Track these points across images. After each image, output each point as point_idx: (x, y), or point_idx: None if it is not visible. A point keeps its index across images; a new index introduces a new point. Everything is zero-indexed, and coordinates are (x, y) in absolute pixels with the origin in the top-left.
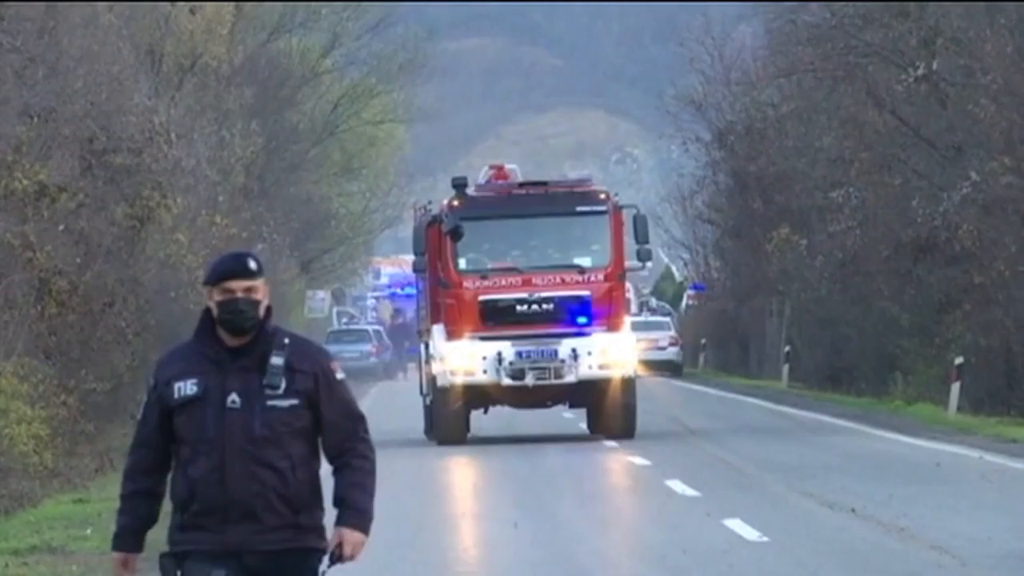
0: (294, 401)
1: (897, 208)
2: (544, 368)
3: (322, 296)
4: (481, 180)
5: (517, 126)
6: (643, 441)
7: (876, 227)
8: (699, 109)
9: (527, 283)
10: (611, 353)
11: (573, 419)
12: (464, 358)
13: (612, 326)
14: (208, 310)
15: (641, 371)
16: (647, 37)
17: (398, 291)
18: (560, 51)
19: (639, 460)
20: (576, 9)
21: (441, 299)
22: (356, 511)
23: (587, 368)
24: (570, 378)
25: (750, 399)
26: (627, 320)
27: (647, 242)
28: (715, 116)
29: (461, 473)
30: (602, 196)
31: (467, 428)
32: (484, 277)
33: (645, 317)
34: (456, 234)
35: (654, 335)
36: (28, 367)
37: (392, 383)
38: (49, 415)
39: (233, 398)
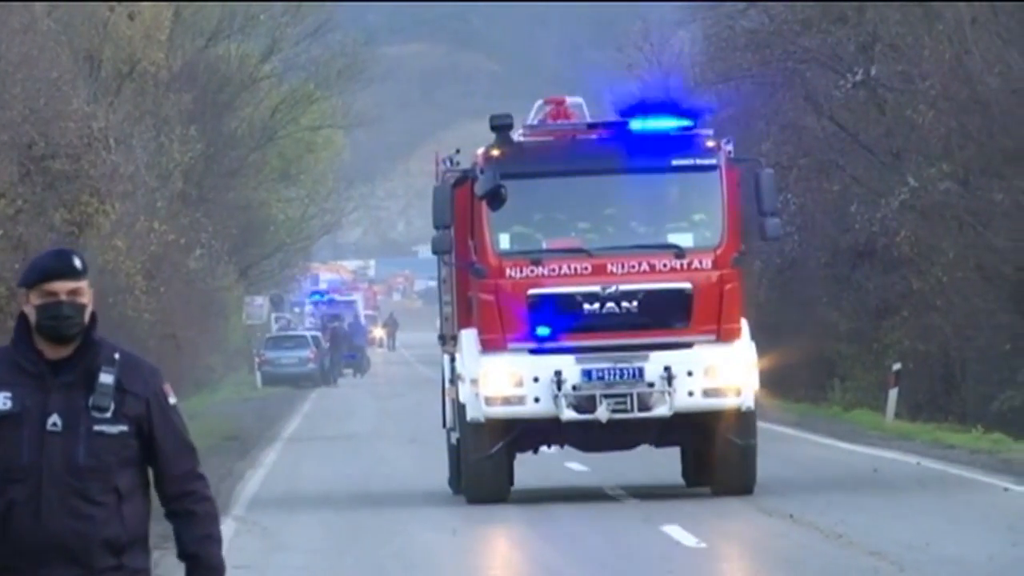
0: (123, 427)
1: (836, 214)
2: (624, 395)
3: (260, 302)
4: (532, 120)
5: (456, 132)
6: None
7: (815, 233)
8: None
9: (599, 271)
10: (723, 373)
11: (657, 458)
12: (506, 379)
13: (724, 334)
14: (23, 316)
15: None
16: (585, 43)
17: (336, 297)
18: (499, 57)
19: (577, 466)
20: (515, 15)
21: (474, 293)
22: (211, 569)
23: (687, 395)
24: (662, 410)
25: None
26: (744, 325)
27: (775, 212)
28: None
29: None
30: (710, 144)
31: (510, 480)
32: (536, 262)
33: None
34: (496, 198)
35: None
36: None
37: (330, 389)
38: None
39: (54, 420)
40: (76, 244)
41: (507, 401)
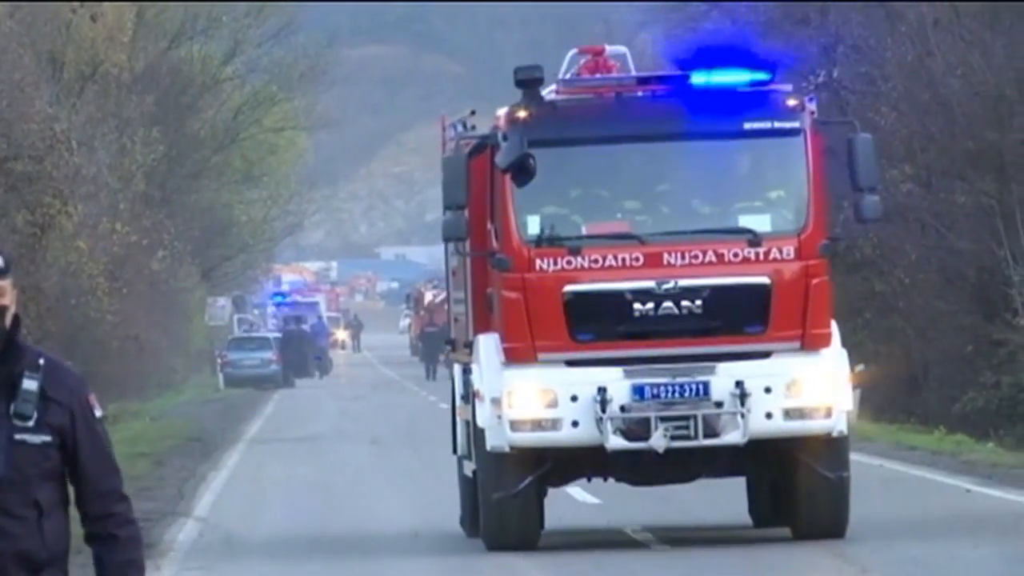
0: (46, 437)
1: None
2: (686, 418)
3: (223, 303)
4: (566, 74)
5: (418, 133)
6: None
7: None
8: None
9: (653, 262)
10: (810, 389)
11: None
12: (537, 398)
13: (810, 340)
14: None
15: None
16: (548, 44)
17: (298, 298)
18: (461, 59)
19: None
20: (478, 17)
21: (495, 289)
22: None
23: (764, 417)
24: (733, 436)
25: None
26: (835, 329)
27: (874, 188)
28: None
29: None
30: (792, 103)
31: (539, 522)
32: (574, 251)
33: None
34: (523, 171)
35: None
36: None
37: (292, 391)
38: None
39: None
40: (39, 246)
41: (538, 425)
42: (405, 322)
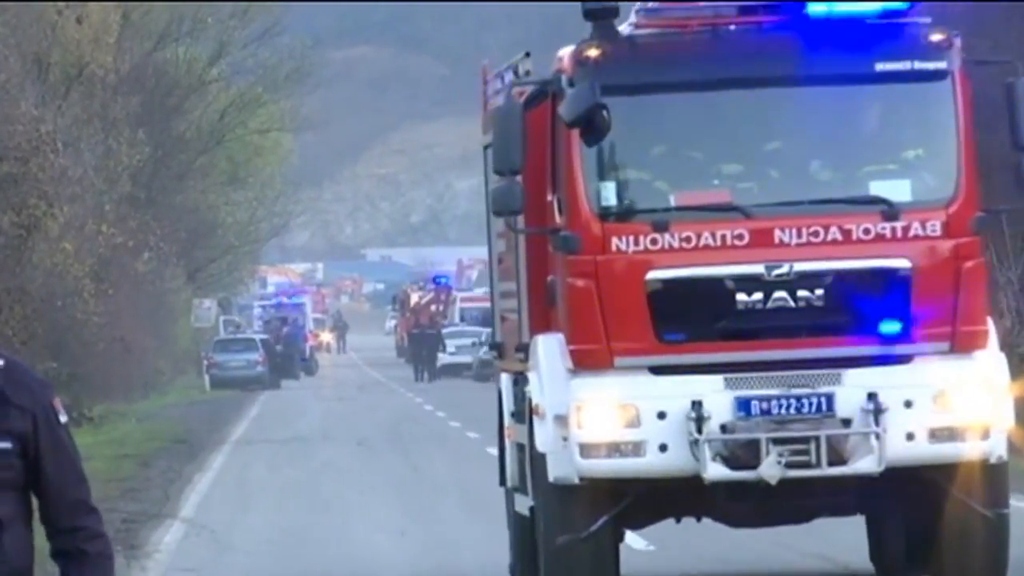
0: (6, 444)
1: None
2: (806, 440)
3: (208, 305)
4: (644, 5)
5: (404, 134)
6: None
7: None
8: None
9: (762, 241)
10: (962, 403)
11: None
12: (614, 416)
13: (962, 339)
14: None
15: None
16: (534, 46)
17: (284, 300)
18: (447, 60)
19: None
20: (463, 18)
21: (559, 277)
22: None
23: (905, 439)
24: (865, 462)
25: None
26: (991, 328)
27: None
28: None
29: None
30: (936, 39)
31: (615, 573)
32: (660, 227)
33: None
34: (595, 126)
35: None
36: None
37: (278, 392)
38: None
39: None
40: (24, 247)
41: (615, 450)
42: (391, 323)
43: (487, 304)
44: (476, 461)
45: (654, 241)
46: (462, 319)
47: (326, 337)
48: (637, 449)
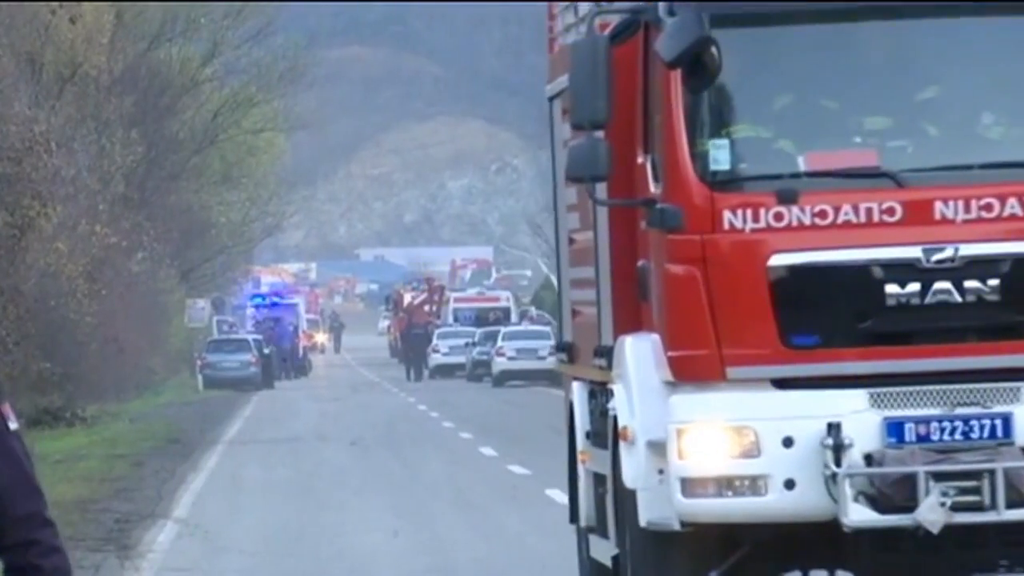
0: None
1: None
2: (976, 475)
3: (202, 305)
4: None
5: (397, 134)
6: (522, 450)
7: None
8: None
9: (918, 216)
10: None
11: None
12: (726, 441)
13: None
14: None
15: (520, 380)
16: (527, 46)
17: (277, 299)
18: (441, 60)
19: (519, 469)
20: (457, 18)
21: (654, 261)
22: None
23: None
24: None
25: None
26: None
27: None
28: None
29: None
30: None
31: None
32: (787, 198)
33: (525, 326)
34: (702, 67)
35: (534, 344)
36: None
37: (271, 392)
38: None
39: None
40: (18, 247)
41: (728, 487)
42: (384, 323)
43: (480, 304)
44: (469, 461)
45: (779, 216)
46: (455, 319)
47: (321, 338)
48: (756, 486)
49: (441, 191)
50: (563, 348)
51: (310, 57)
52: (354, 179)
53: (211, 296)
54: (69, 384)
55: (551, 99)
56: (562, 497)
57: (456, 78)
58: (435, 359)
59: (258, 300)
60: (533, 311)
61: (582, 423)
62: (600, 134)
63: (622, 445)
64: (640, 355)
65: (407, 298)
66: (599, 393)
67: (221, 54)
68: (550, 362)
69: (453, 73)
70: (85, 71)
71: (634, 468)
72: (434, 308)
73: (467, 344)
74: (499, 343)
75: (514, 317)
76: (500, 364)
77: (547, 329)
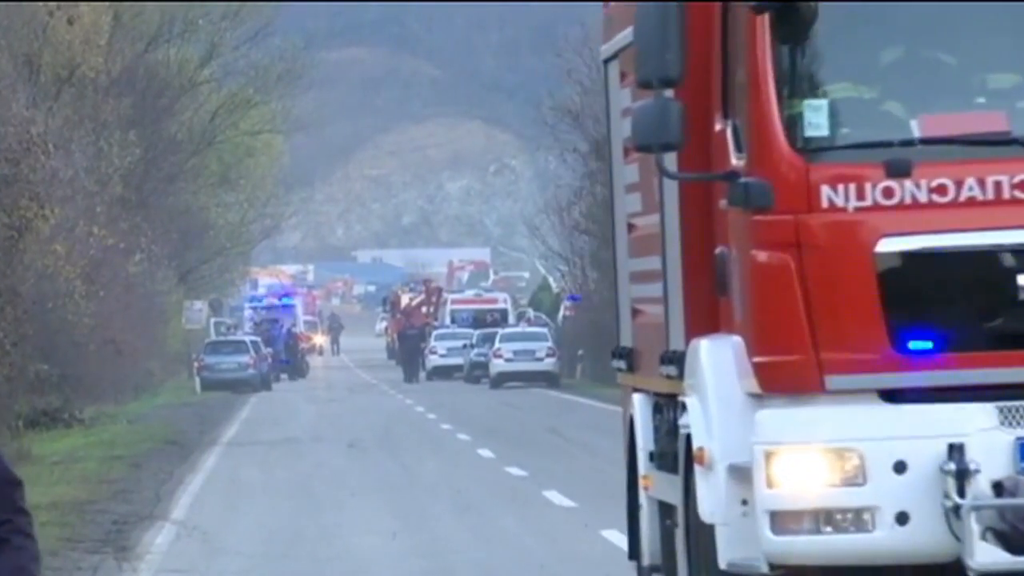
0: None
1: None
2: None
3: (200, 307)
4: None
5: (395, 136)
6: (520, 452)
7: None
8: (576, 120)
9: None
10: None
11: None
12: (824, 466)
13: None
14: None
15: (517, 382)
16: (525, 48)
17: (275, 301)
18: (439, 61)
19: (516, 471)
20: (455, 19)
21: (735, 247)
22: None
23: None
24: None
25: None
26: None
27: None
28: (592, 127)
29: None
30: None
31: None
32: (898, 170)
33: (523, 328)
34: (795, 16)
35: (531, 345)
36: None
37: (269, 394)
38: None
39: None
40: (15, 249)
41: (827, 521)
42: (382, 325)
43: (478, 306)
44: (467, 463)
45: (888, 192)
46: (453, 321)
47: (319, 339)
48: (861, 520)
49: (439, 192)
50: (621, 354)
51: (308, 58)
52: (352, 180)
53: (209, 298)
54: (67, 385)
55: (606, 61)
56: (559, 499)
57: (454, 80)
58: (433, 360)
59: (255, 302)
60: (531, 313)
61: (645, 442)
62: (671, 93)
63: (697, 470)
64: (719, 362)
65: (404, 300)
66: (666, 407)
67: (219, 55)
68: (548, 363)
69: (451, 75)
70: (83, 72)
71: (712, 498)
72: (431, 310)
73: (465, 346)
74: (496, 345)
75: (511, 319)
76: (497, 366)
77: (544, 331)
